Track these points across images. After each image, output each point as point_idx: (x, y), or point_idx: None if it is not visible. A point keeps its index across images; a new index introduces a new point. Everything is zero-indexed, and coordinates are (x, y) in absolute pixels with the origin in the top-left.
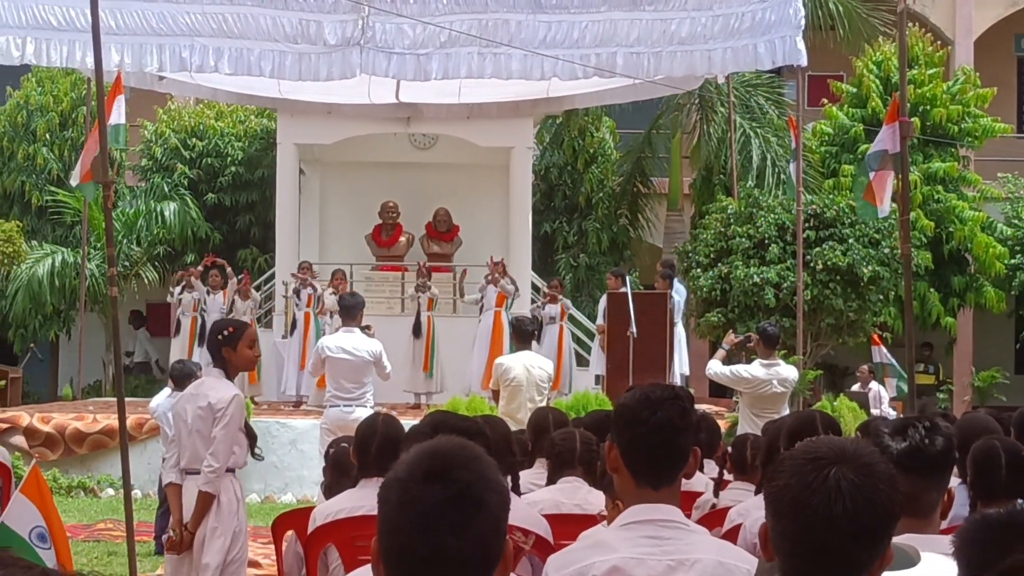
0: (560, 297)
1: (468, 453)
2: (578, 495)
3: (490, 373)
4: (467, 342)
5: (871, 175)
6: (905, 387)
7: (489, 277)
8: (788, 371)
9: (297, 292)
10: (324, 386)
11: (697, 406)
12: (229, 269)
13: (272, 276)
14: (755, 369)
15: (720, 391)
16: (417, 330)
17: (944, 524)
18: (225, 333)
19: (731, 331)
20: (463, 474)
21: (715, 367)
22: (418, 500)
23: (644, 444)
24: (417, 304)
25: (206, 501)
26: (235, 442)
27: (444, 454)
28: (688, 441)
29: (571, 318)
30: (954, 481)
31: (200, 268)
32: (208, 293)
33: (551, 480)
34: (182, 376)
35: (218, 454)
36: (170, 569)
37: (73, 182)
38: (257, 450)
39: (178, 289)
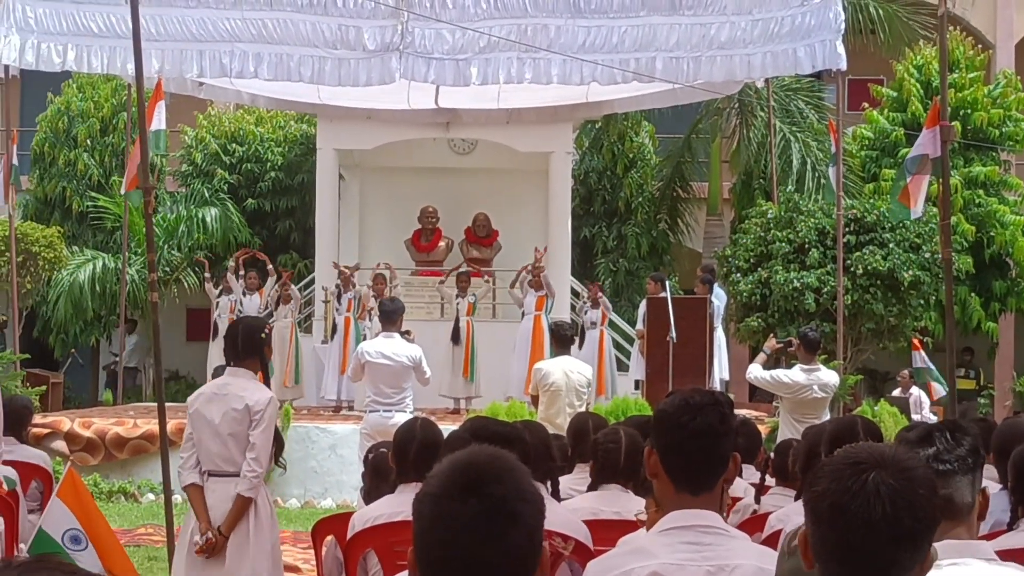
0: (601, 297)
1: (501, 465)
2: (618, 503)
3: (531, 378)
4: (506, 347)
5: (908, 178)
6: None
7: (531, 279)
8: (829, 376)
9: (338, 296)
10: None
11: (737, 411)
12: (270, 266)
13: (312, 281)
14: (796, 374)
15: (760, 396)
16: (456, 336)
17: (985, 529)
18: (267, 332)
19: (772, 335)
20: (497, 488)
21: (756, 371)
22: (452, 516)
23: (684, 450)
24: (456, 310)
25: (245, 505)
26: (271, 445)
27: (477, 468)
28: (728, 447)
29: (611, 323)
30: (995, 487)
31: (232, 264)
32: (244, 294)
33: (594, 485)
34: None
35: (261, 458)
36: (189, 570)
37: (123, 191)
38: (281, 459)
39: (216, 291)
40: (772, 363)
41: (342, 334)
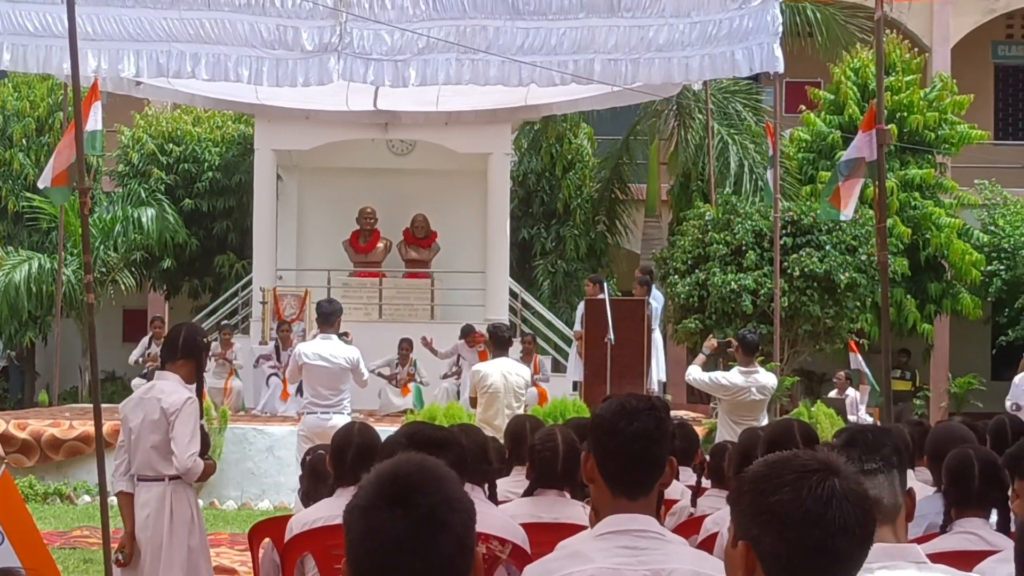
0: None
1: (428, 474)
2: (555, 508)
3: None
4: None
5: (841, 180)
6: (878, 397)
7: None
8: (767, 378)
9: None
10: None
11: (674, 412)
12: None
13: (249, 282)
14: (734, 376)
15: (698, 397)
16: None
17: (919, 532)
18: (207, 339)
19: (711, 336)
20: (424, 498)
21: (694, 373)
22: (381, 528)
23: (621, 455)
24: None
25: (209, 469)
26: (197, 438)
27: (404, 478)
28: (665, 451)
29: (548, 324)
30: (929, 490)
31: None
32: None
33: (530, 490)
34: None
35: (189, 446)
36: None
37: (42, 184)
38: (207, 458)
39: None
40: (711, 364)
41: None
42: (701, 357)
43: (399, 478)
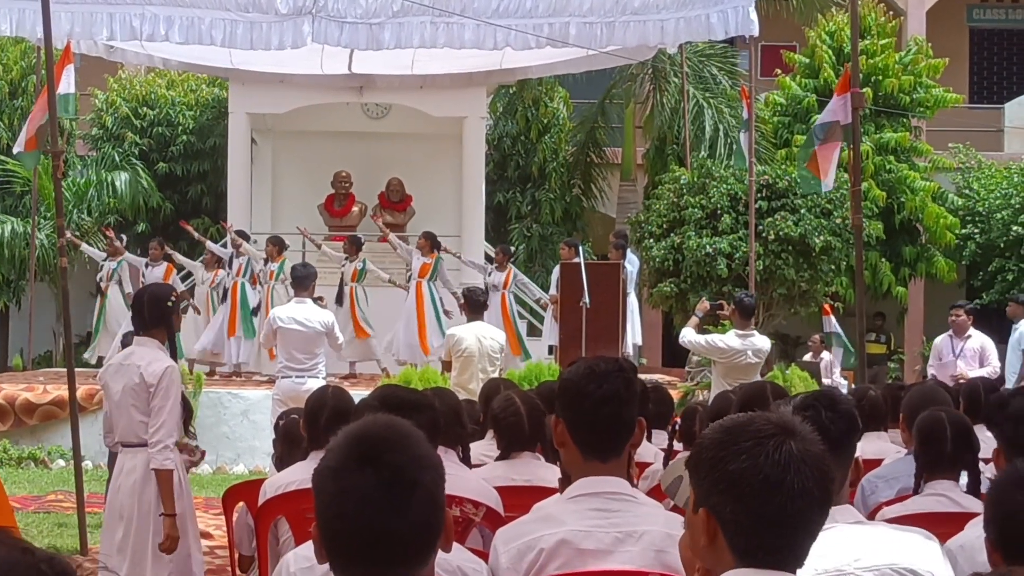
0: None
1: (396, 433)
2: (528, 470)
3: (422, 343)
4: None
5: (816, 145)
6: (852, 359)
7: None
8: (762, 342)
9: (230, 261)
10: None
11: (650, 376)
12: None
13: (224, 246)
14: (730, 339)
15: (672, 361)
16: (339, 299)
17: (892, 494)
18: (174, 299)
19: (703, 299)
20: (393, 457)
21: (689, 335)
22: (352, 489)
23: (590, 417)
24: (341, 275)
25: (165, 478)
26: (177, 413)
27: (372, 438)
28: (633, 413)
29: (520, 290)
30: (903, 451)
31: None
32: (147, 266)
33: (504, 455)
34: None
35: (161, 428)
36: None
37: (16, 149)
38: (191, 428)
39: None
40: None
41: (229, 298)
42: (695, 319)
43: (367, 438)
